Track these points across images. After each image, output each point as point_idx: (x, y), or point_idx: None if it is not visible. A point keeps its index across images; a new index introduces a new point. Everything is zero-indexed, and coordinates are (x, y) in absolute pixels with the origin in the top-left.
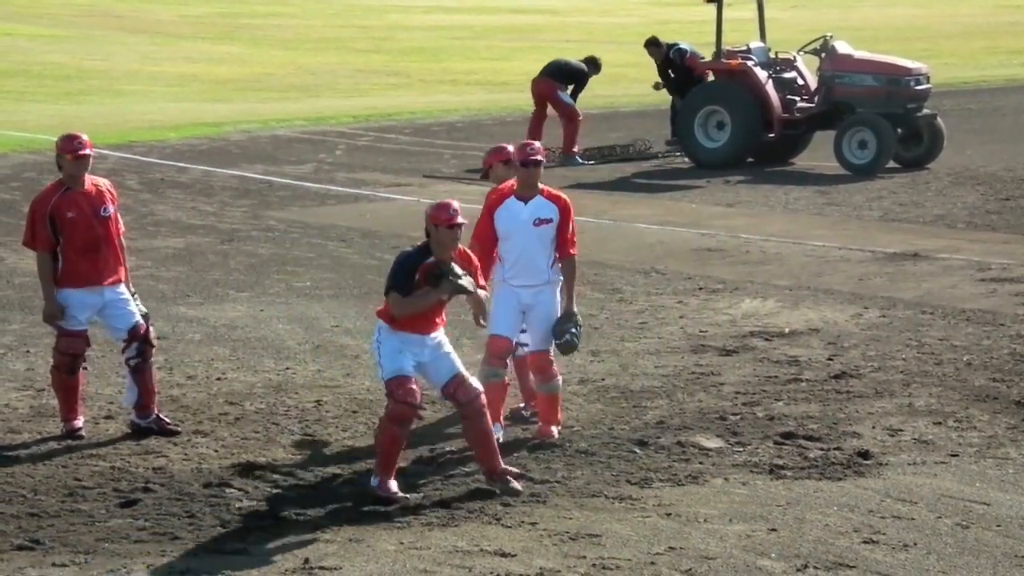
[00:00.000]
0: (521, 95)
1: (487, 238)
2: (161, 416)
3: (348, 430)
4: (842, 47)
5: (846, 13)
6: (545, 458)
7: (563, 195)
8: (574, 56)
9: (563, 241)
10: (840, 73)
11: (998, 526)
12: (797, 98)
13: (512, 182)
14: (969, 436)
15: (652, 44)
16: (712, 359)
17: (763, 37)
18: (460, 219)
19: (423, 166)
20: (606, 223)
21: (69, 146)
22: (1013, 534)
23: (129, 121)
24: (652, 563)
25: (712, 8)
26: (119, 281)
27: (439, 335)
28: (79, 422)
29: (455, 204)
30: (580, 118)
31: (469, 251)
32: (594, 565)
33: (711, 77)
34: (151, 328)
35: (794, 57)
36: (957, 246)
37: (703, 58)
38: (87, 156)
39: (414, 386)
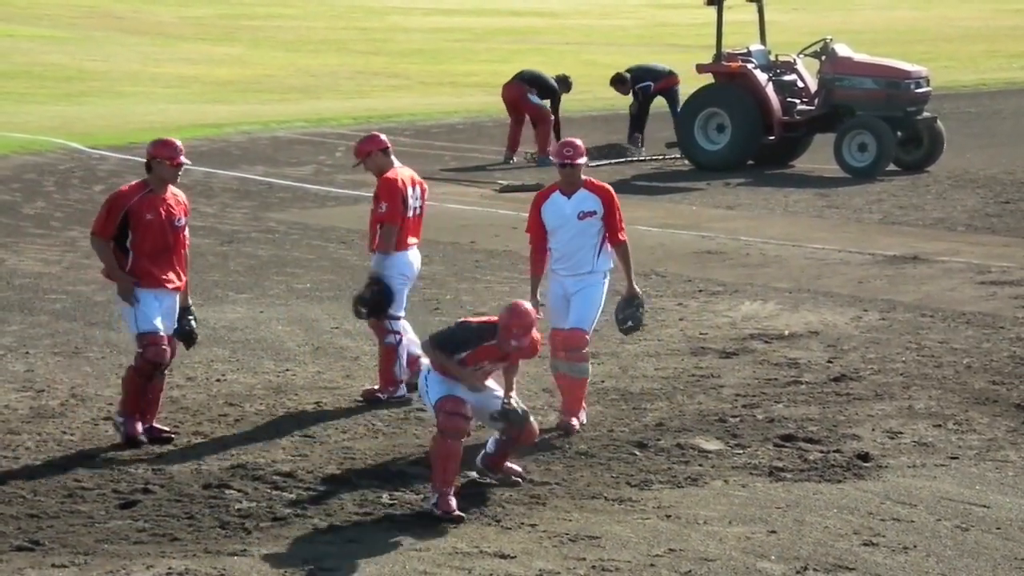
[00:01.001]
0: None
1: (537, 233)
2: (154, 425)
3: (347, 432)
4: (842, 50)
5: (846, 16)
6: (545, 460)
7: (606, 185)
8: (550, 72)
9: (612, 229)
10: (840, 76)
11: (998, 529)
12: (797, 101)
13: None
14: (969, 439)
15: (618, 81)
16: (712, 361)
17: (763, 40)
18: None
19: (423, 168)
20: None
21: (168, 152)
22: (1013, 537)
23: (129, 122)
24: (652, 565)
25: (712, 11)
26: (179, 290)
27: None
28: (140, 427)
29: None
30: (551, 119)
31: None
32: (593, 567)
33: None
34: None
35: (794, 60)
36: (957, 249)
37: (669, 72)
38: (183, 164)
39: (462, 396)
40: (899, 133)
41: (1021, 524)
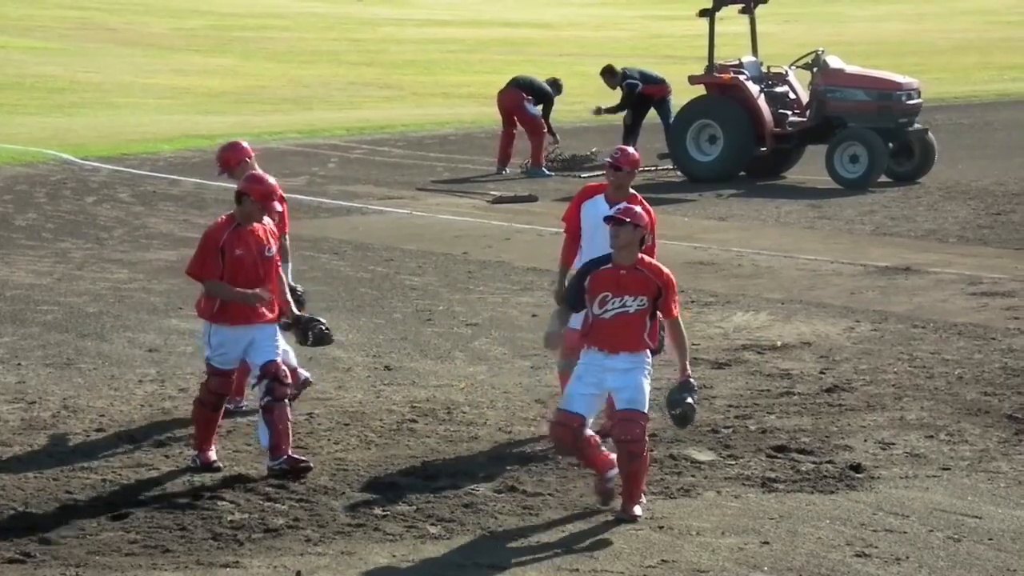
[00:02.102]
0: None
1: (573, 225)
2: (292, 455)
3: (340, 443)
4: (834, 62)
5: (838, 28)
6: (538, 471)
7: (650, 210)
8: (541, 77)
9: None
10: (832, 88)
11: (990, 540)
12: (789, 112)
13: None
14: (961, 450)
15: (608, 73)
16: (704, 372)
17: (755, 51)
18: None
19: (416, 179)
20: None
21: (260, 190)
22: (1005, 548)
23: (122, 133)
24: None
25: (705, 22)
26: (272, 323)
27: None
28: (214, 454)
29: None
30: (544, 131)
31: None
32: None
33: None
34: (288, 369)
35: (786, 71)
36: (948, 260)
37: (661, 80)
38: (273, 204)
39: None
40: (891, 144)
41: (1013, 535)
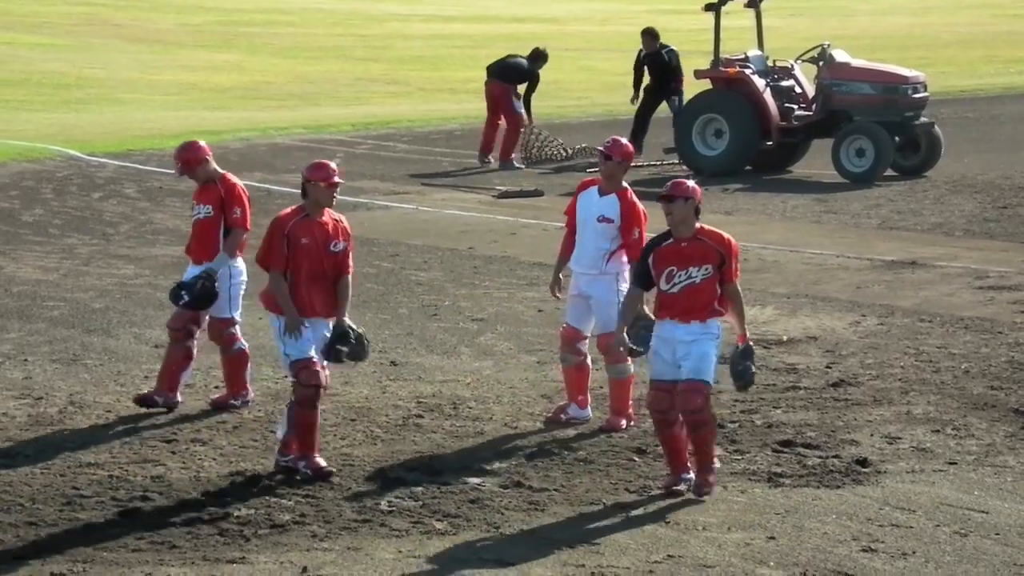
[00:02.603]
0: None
1: (573, 220)
2: (314, 458)
3: (346, 438)
4: (840, 55)
5: (844, 22)
6: (544, 466)
7: (636, 202)
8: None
9: (627, 243)
10: (838, 81)
11: (996, 534)
12: (795, 106)
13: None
14: (967, 444)
15: (650, 34)
16: None
17: (761, 45)
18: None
19: (422, 174)
20: None
21: (322, 173)
22: (1011, 542)
23: (128, 129)
24: (651, 571)
25: (710, 16)
26: (331, 317)
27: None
28: (322, 460)
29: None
30: (523, 128)
31: None
32: (593, 573)
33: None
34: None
35: (792, 65)
36: (955, 254)
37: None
38: (338, 184)
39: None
40: (897, 138)
41: (1020, 530)
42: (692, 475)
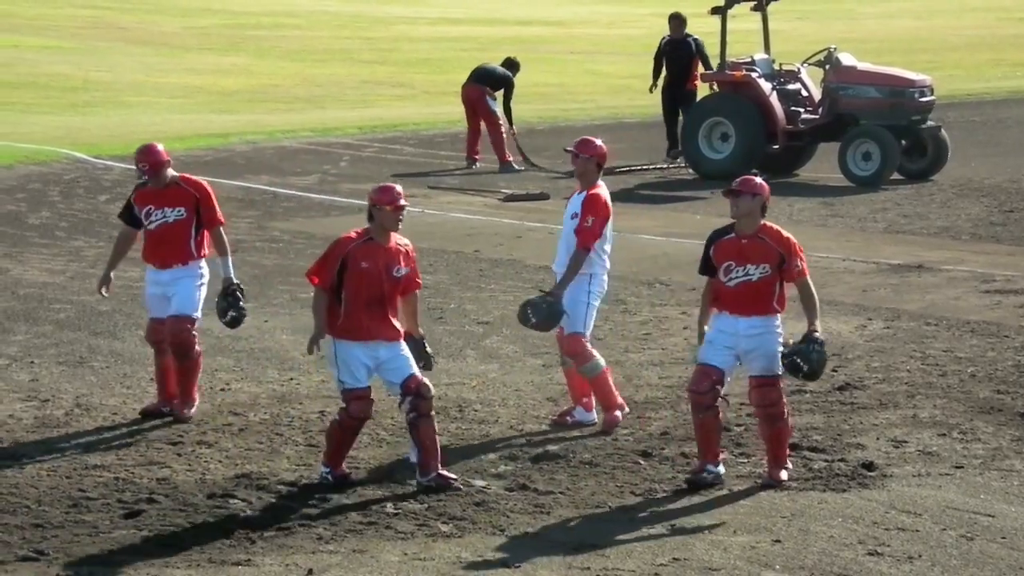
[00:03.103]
0: (526, 107)
1: None
2: (442, 472)
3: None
4: (846, 59)
5: (850, 25)
6: (549, 469)
7: (599, 194)
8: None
9: (575, 229)
10: (844, 85)
11: (1003, 538)
12: (801, 110)
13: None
14: (974, 448)
15: (677, 19)
16: None
17: (767, 49)
18: (403, 201)
19: (428, 177)
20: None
21: (387, 197)
22: (1018, 546)
23: (134, 132)
24: (656, 574)
25: (716, 20)
26: (397, 339)
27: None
28: (345, 467)
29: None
30: (502, 128)
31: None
32: None
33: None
34: (424, 381)
35: (798, 69)
36: (961, 258)
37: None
38: (404, 208)
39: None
40: (903, 142)
41: None
42: (720, 468)
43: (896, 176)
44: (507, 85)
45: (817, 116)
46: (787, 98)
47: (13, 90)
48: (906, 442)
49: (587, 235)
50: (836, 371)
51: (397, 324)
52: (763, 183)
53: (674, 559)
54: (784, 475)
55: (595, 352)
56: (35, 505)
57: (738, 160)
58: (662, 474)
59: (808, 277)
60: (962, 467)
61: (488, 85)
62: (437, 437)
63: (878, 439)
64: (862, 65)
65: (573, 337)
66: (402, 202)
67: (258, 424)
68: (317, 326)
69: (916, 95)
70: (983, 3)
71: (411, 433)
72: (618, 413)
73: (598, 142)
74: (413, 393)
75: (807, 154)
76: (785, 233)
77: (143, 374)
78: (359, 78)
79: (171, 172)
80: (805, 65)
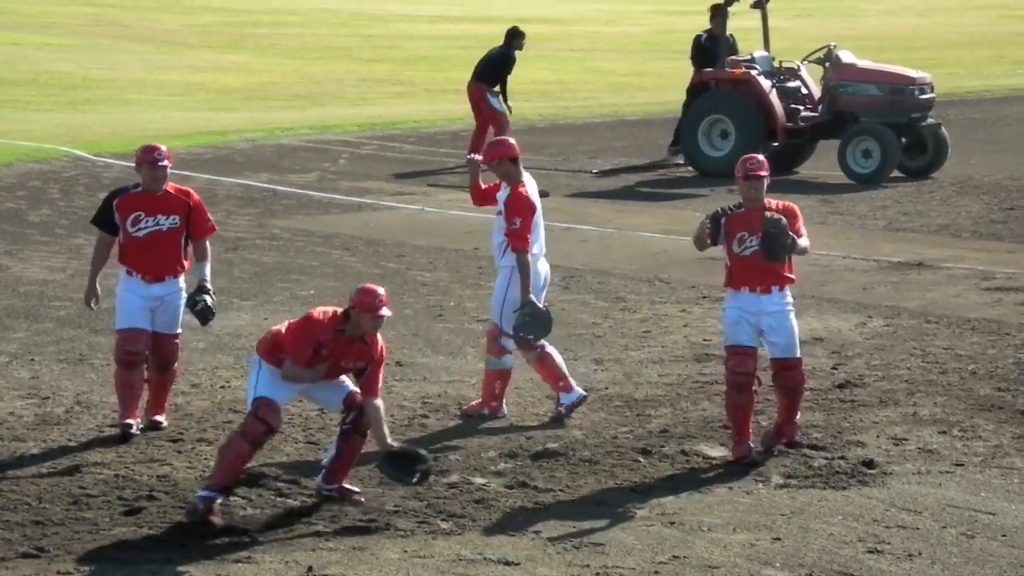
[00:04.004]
0: (526, 104)
1: (490, 186)
2: (346, 486)
3: None
4: (846, 56)
5: (850, 23)
6: (549, 467)
7: (520, 192)
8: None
9: (505, 234)
10: (844, 82)
11: (1003, 536)
12: (801, 107)
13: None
14: (974, 446)
15: (723, 14)
16: (716, 368)
17: (767, 46)
18: (385, 311)
19: (427, 175)
20: (610, 232)
21: (368, 302)
22: (1018, 544)
23: (135, 130)
24: (656, 572)
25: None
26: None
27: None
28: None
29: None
30: (507, 125)
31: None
32: (598, 574)
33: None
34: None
35: (798, 66)
36: (961, 255)
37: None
38: (384, 318)
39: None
40: (903, 139)
41: None
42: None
43: (896, 173)
44: (504, 62)
45: (817, 114)
46: (787, 96)
47: (14, 87)
48: (906, 440)
49: (517, 238)
50: (836, 369)
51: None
52: (763, 161)
53: (674, 557)
54: (798, 431)
55: (508, 353)
56: (36, 502)
57: (738, 157)
58: (662, 472)
59: (806, 238)
60: (962, 465)
61: (487, 81)
62: (358, 454)
63: (878, 437)
64: (862, 62)
65: (492, 327)
66: (383, 312)
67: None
68: (308, 374)
69: (916, 92)
70: (985, 1)
71: (339, 439)
72: (486, 409)
73: (511, 141)
74: (358, 408)
75: (807, 152)
76: (782, 203)
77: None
78: (358, 76)
79: (146, 170)
80: (805, 62)
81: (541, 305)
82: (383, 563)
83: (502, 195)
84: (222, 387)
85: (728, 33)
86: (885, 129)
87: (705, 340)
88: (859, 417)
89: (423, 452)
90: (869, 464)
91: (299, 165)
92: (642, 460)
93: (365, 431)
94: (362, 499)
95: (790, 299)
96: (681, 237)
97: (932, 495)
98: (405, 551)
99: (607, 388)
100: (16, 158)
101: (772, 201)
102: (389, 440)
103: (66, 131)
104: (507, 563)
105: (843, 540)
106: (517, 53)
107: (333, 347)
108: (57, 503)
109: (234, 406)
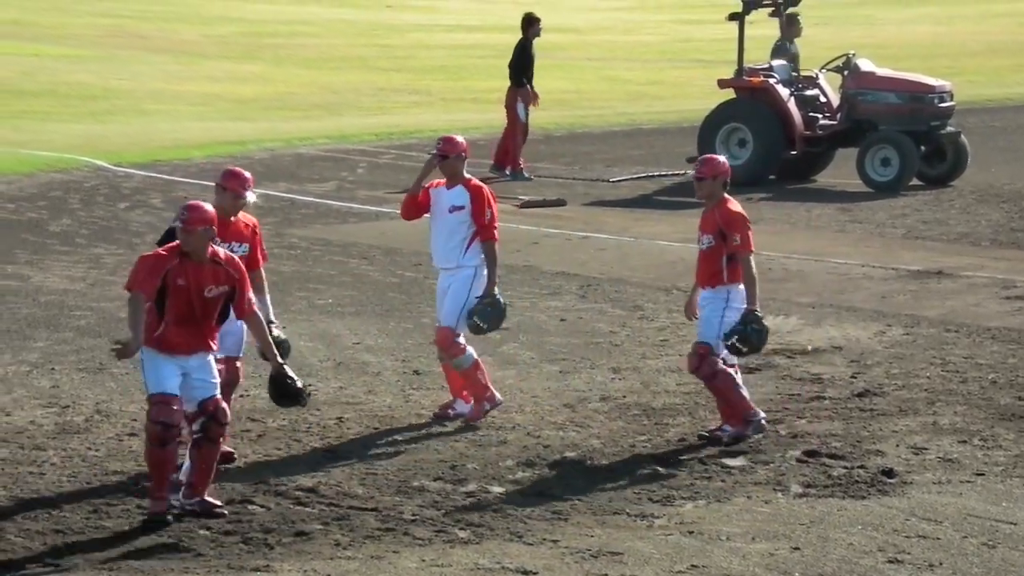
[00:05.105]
0: (543, 113)
1: (424, 194)
2: (207, 499)
3: (369, 447)
4: (865, 65)
5: (869, 31)
6: (566, 476)
7: (483, 187)
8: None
9: (480, 225)
10: (863, 91)
11: None
12: (820, 115)
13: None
14: (995, 455)
15: (798, 22)
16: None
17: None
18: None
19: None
20: (627, 240)
21: (195, 215)
22: None
23: (153, 140)
24: None
25: (734, 26)
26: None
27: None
28: (164, 501)
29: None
30: (523, 135)
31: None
32: None
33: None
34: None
35: (816, 75)
36: (981, 264)
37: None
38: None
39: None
40: (923, 147)
41: None
42: (733, 428)
43: (915, 182)
44: (522, 51)
45: (835, 122)
46: (805, 104)
47: (34, 98)
48: (926, 449)
49: (493, 228)
50: (855, 378)
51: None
52: (722, 162)
53: (692, 566)
54: (736, 427)
55: (466, 346)
56: (56, 511)
57: (756, 166)
58: (680, 481)
59: (750, 255)
60: (983, 474)
61: (515, 79)
62: (215, 464)
63: (898, 446)
64: (881, 70)
65: (444, 330)
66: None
67: (276, 430)
68: (134, 333)
69: (935, 100)
70: (1005, 8)
71: (191, 450)
72: (486, 404)
73: (455, 138)
74: (210, 415)
75: (825, 160)
76: (736, 209)
77: None
78: (376, 85)
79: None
80: (823, 71)
81: (501, 299)
82: (401, 572)
83: (455, 193)
84: (241, 396)
85: (796, 40)
86: (904, 137)
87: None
88: (879, 426)
89: (303, 395)
90: (889, 473)
91: (317, 174)
92: (660, 469)
93: (217, 437)
94: (225, 512)
95: (722, 294)
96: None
97: (953, 505)
98: (423, 560)
99: (625, 397)
100: (37, 168)
101: (729, 202)
102: (279, 359)
103: (86, 141)
104: (525, 572)
105: (863, 550)
106: (536, 41)
107: (186, 273)
108: (77, 512)
109: (252, 415)
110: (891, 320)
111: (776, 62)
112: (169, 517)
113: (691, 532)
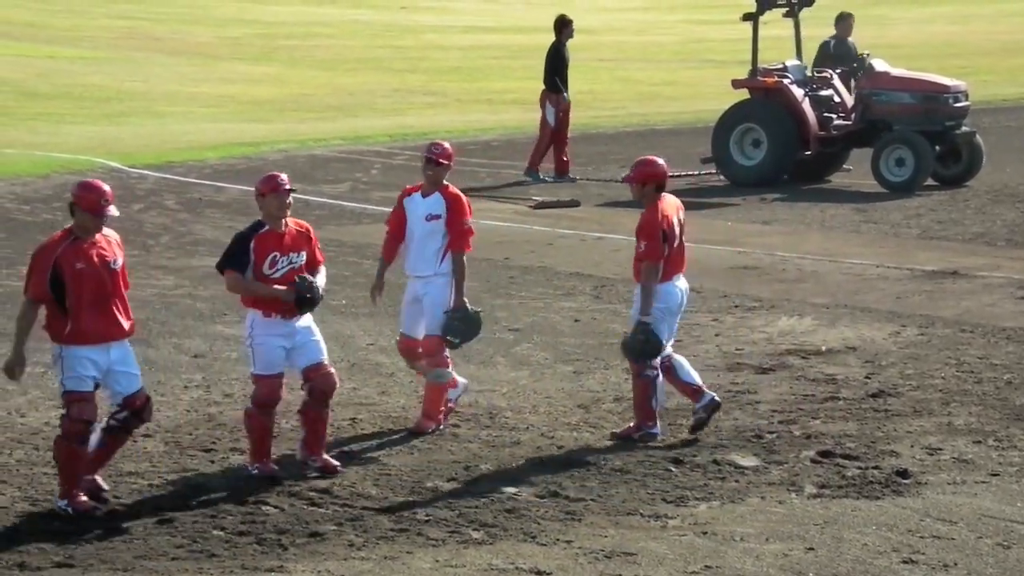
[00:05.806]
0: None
1: (395, 226)
2: (98, 479)
3: (383, 448)
4: (879, 65)
5: (883, 31)
6: (580, 476)
7: (460, 195)
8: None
9: (454, 234)
10: (877, 91)
11: None
12: (834, 116)
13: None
14: (1010, 455)
15: (851, 20)
16: (748, 377)
17: (800, 55)
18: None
19: (458, 184)
20: None
21: (86, 196)
22: None
23: (168, 142)
24: None
25: (748, 26)
26: (126, 336)
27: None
28: (84, 497)
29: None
30: (547, 139)
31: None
32: None
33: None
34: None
35: (831, 75)
36: (997, 264)
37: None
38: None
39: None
40: (937, 147)
41: None
42: (652, 430)
43: (930, 182)
44: (555, 54)
45: (850, 122)
46: (820, 104)
47: (49, 100)
48: (941, 449)
49: (468, 238)
50: (870, 378)
51: (124, 322)
52: (650, 168)
53: (706, 567)
54: (632, 432)
55: (450, 361)
56: (70, 511)
57: (770, 166)
58: (693, 481)
59: (644, 260)
60: (998, 475)
61: (549, 81)
62: (113, 456)
63: (912, 446)
64: (895, 71)
65: (433, 340)
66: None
67: (290, 431)
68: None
69: (950, 100)
70: (1019, 8)
71: (104, 433)
72: (432, 424)
73: (446, 145)
74: (135, 411)
75: (840, 160)
76: (647, 215)
77: (176, 382)
78: (390, 86)
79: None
80: (838, 71)
81: (471, 309)
82: (415, 572)
83: (431, 201)
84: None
85: (849, 39)
86: (919, 137)
87: (737, 349)
88: (893, 427)
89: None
90: (903, 474)
91: (331, 176)
92: (674, 470)
93: (133, 430)
94: (100, 514)
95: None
96: (712, 247)
97: (967, 505)
98: (437, 560)
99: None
100: (52, 170)
101: (653, 208)
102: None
103: (100, 143)
104: (539, 572)
105: (877, 550)
106: (569, 42)
107: (82, 254)
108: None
109: None
110: (906, 320)
111: (790, 62)
112: (98, 512)
113: (705, 533)
